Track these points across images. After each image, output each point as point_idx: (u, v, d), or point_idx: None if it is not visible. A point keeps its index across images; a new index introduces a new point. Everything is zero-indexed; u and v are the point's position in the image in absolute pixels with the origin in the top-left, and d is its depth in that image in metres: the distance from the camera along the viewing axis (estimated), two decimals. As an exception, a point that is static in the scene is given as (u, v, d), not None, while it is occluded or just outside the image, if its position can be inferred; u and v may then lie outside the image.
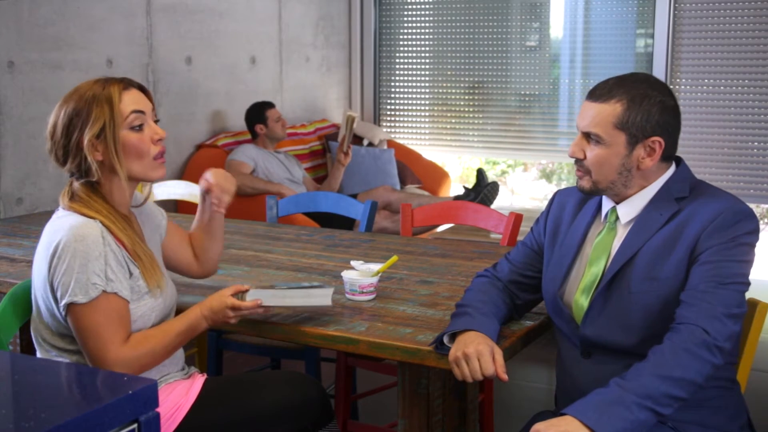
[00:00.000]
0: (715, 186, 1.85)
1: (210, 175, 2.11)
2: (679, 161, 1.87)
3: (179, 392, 1.94)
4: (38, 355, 1.97)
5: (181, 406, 1.91)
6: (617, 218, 1.86)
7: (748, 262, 1.73)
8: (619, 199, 1.86)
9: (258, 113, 4.72)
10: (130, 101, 1.90)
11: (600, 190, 1.85)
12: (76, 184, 1.93)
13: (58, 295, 1.82)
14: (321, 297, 1.97)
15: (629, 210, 1.84)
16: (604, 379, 1.65)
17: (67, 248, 1.80)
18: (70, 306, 1.81)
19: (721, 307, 1.65)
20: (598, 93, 1.81)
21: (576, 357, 1.87)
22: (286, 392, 1.97)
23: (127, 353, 1.83)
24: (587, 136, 1.82)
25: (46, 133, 1.94)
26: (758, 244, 1.79)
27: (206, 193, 2.13)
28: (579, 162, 1.85)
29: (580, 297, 1.85)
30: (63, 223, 1.86)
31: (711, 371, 1.63)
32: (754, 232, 1.75)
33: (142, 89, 1.96)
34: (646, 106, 1.77)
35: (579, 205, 1.95)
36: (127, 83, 1.93)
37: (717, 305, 1.65)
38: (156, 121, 1.97)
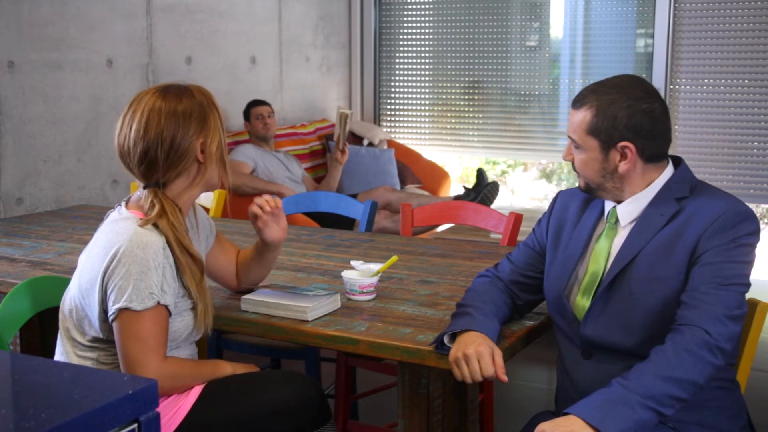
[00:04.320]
0: (716, 187, 1.85)
1: (259, 207, 2.12)
2: (678, 162, 1.88)
3: (179, 392, 1.95)
4: (59, 350, 1.97)
5: (181, 405, 1.92)
6: (617, 219, 1.87)
7: (749, 263, 1.73)
8: (618, 201, 1.87)
9: (246, 110, 4.76)
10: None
11: (593, 190, 1.89)
12: (145, 191, 1.93)
13: (112, 298, 1.82)
14: (333, 303, 2.10)
15: (629, 211, 1.85)
16: (605, 380, 1.66)
17: (128, 253, 1.81)
18: (122, 311, 1.81)
19: (722, 308, 1.66)
20: (576, 99, 1.87)
21: (577, 357, 1.87)
22: (284, 392, 1.98)
23: (168, 369, 1.87)
24: (572, 140, 1.88)
25: (132, 142, 1.89)
26: (758, 245, 1.79)
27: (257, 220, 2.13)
28: (572, 165, 1.91)
29: (581, 298, 1.86)
30: (127, 227, 1.85)
31: (712, 372, 1.63)
32: (755, 233, 1.75)
33: None
34: (612, 111, 1.79)
35: (583, 205, 1.96)
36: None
37: (718, 306, 1.66)
38: None
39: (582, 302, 1.85)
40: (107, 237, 1.87)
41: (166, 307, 1.85)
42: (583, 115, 1.83)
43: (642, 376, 1.60)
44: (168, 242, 1.87)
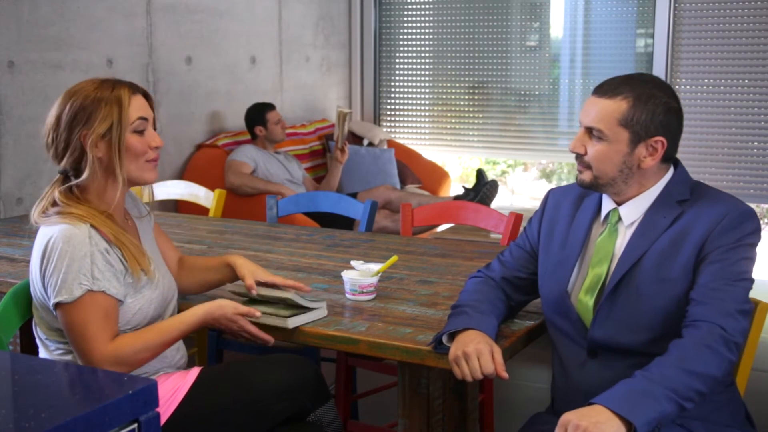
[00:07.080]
0: (713, 187, 1.87)
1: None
2: (676, 163, 1.89)
3: (177, 377, 1.96)
4: (41, 352, 1.99)
5: (179, 388, 1.92)
6: (619, 219, 1.87)
7: (752, 260, 1.77)
8: (619, 200, 1.86)
9: (258, 115, 4.70)
10: (137, 107, 1.96)
11: (600, 186, 1.85)
12: (57, 194, 1.95)
13: (49, 294, 1.87)
14: (318, 312, 2.03)
15: (631, 212, 1.85)
16: (608, 380, 1.67)
17: (54, 249, 1.85)
18: (57, 305, 1.86)
19: (732, 303, 1.69)
20: (605, 89, 1.82)
21: (580, 358, 1.87)
22: (281, 374, 1.99)
23: (112, 351, 1.86)
24: (590, 131, 1.83)
25: (45, 126, 1.97)
26: (760, 243, 1.82)
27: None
28: (580, 157, 1.86)
29: (584, 297, 1.86)
30: (53, 226, 1.90)
31: (729, 367, 1.66)
32: (757, 231, 1.79)
33: (146, 96, 2.02)
34: (651, 105, 1.78)
35: (575, 204, 1.95)
36: (134, 88, 1.99)
37: (729, 302, 1.69)
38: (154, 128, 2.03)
39: (585, 301, 1.85)
40: (39, 239, 1.92)
41: (103, 293, 1.85)
42: (617, 105, 1.79)
43: (664, 369, 1.61)
44: (94, 227, 1.89)
